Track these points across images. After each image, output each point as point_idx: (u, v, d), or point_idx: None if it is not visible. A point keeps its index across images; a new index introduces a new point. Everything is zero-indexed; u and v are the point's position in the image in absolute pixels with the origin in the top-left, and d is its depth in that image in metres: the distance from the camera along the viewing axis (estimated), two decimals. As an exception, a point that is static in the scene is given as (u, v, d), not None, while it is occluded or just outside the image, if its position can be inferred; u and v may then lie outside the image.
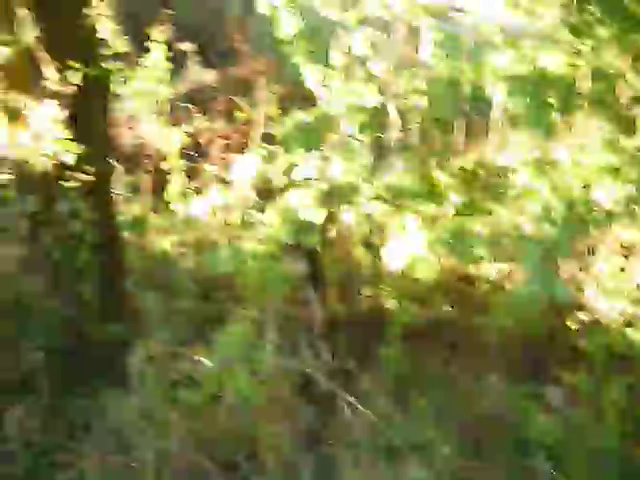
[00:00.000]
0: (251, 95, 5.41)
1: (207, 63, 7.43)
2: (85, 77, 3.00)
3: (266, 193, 4.20)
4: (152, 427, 2.76)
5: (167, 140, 3.95)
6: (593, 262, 3.30)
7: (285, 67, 5.60)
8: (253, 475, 2.81)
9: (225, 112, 6.06)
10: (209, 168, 4.59)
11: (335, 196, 3.28)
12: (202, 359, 2.63)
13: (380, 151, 3.31)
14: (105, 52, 3.38)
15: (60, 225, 3.08)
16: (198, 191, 4.53)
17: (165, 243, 3.87)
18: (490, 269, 4.34)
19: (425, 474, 2.79)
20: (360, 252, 3.74)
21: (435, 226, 2.99)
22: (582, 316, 3.56)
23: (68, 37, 3.02)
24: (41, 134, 2.89)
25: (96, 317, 3.07)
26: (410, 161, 3.25)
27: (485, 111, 4.17)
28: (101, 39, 3.34)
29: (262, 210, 4.54)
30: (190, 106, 6.17)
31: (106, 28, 3.51)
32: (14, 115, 3.04)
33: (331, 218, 3.91)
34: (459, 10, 3.39)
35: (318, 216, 3.04)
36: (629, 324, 3.29)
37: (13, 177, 3.05)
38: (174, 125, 4.46)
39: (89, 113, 3.12)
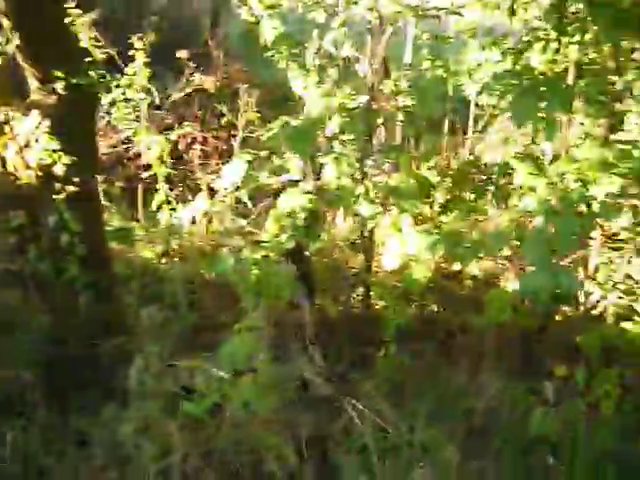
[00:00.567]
0: (230, 101, 5.39)
1: (179, 70, 7.43)
2: (70, 87, 2.94)
3: (254, 198, 4.18)
4: (152, 440, 2.70)
5: (150, 148, 3.89)
6: (587, 254, 3.32)
7: (263, 72, 5.59)
8: (258, 486, 2.78)
9: (204, 118, 6.03)
10: (195, 175, 4.56)
11: (326, 199, 3.26)
12: (203, 370, 2.57)
13: (368, 152, 3.29)
14: (89, 61, 3.33)
15: (47, 238, 3.01)
16: (183, 199, 4.48)
17: (149, 253, 3.81)
18: (475, 267, 4.37)
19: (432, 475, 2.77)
20: (352, 254, 3.73)
21: (429, 226, 2.98)
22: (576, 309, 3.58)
23: (51, 46, 2.95)
24: (27, 146, 2.82)
25: (89, 331, 3.01)
26: (399, 161, 3.24)
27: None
28: (84, 48, 3.28)
29: (247, 216, 4.52)
30: (168, 113, 6.15)
31: (88, 36, 3.43)
32: (-1, 127, 2.97)
33: (322, 220, 3.90)
34: (444, 10, 3.39)
35: (308, 219, 3.00)
36: (623, 316, 3.31)
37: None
38: (157, 132, 4.40)
39: (75, 123, 3.05)
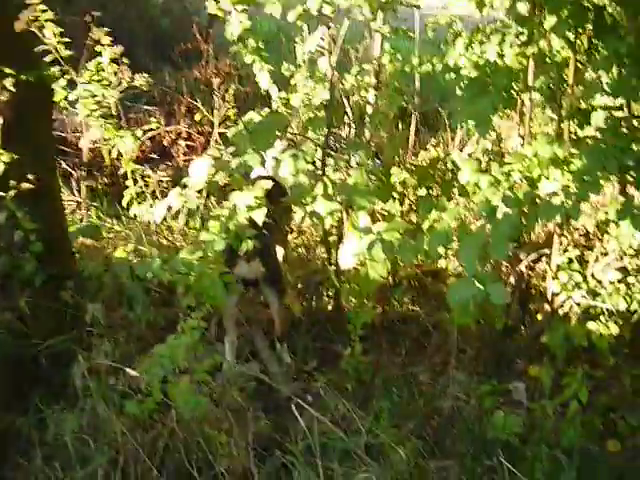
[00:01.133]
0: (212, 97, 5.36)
1: (173, 65, 7.42)
2: (23, 83, 2.92)
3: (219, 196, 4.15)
4: (99, 440, 2.69)
5: (121, 145, 3.86)
6: (552, 253, 3.25)
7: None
8: (207, 485, 2.75)
9: (187, 113, 6.01)
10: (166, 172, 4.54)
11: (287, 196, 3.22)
12: (148, 369, 2.55)
13: (330, 148, 3.25)
14: (48, 57, 3.31)
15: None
16: (155, 195, 4.45)
17: (119, 250, 3.79)
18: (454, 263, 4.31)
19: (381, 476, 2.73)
20: (319, 252, 3.69)
21: (388, 223, 2.92)
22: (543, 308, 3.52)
23: (2, 42, 2.94)
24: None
25: (39, 329, 3.00)
26: (362, 158, 3.19)
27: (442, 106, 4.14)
28: (43, 44, 3.27)
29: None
30: (150, 108, 6.14)
31: (49, 32, 3.41)
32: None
33: (287, 218, 3.85)
34: (409, 4, 3.33)
35: (261, 217, 2.96)
36: (588, 315, 3.25)
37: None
38: (129, 128, 4.37)
39: (28, 120, 3.04)
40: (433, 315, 4.13)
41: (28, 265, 3.02)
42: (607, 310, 3.15)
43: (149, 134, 5.74)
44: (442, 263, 4.36)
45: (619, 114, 2.49)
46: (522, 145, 3.11)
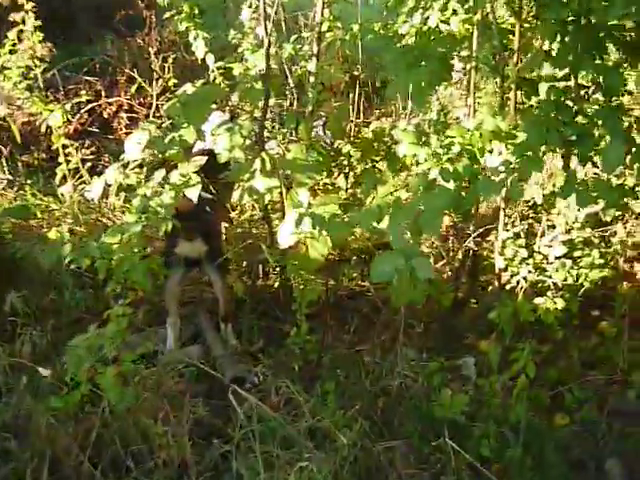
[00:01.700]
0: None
1: (117, 33, 7.10)
2: None
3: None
4: (26, 435, 2.54)
5: (51, 119, 3.64)
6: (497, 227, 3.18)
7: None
8: (143, 477, 2.63)
9: (128, 84, 5.75)
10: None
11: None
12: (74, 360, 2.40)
13: (265, 121, 3.10)
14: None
15: None
16: (93, 172, 4.25)
17: (52, 231, 3.60)
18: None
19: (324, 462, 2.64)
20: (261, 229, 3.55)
21: (322, 198, 2.80)
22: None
23: None
24: None
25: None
26: (302, 131, 3.05)
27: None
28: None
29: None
30: (91, 79, 5.85)
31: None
32: None
33: (228, 195, 3.70)
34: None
35: (195, 194, 2.80)
36: (536, 290, 3.19)
37: None
38: (64, 100, 4.13)
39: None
40: (383, 290, 4.04)
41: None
42: (554, 284, 3.10)
43: (88, 106, 5.50)
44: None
45: (562, 84, 2.39)
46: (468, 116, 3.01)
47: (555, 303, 3.05)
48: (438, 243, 3.83)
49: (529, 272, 3.05)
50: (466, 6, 2.92)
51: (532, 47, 2.84)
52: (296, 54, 3.04)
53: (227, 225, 3.81)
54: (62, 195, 3.87)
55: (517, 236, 3.06)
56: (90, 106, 5.52)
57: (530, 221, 3.46)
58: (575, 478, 2.79)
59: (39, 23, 3.42)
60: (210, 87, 3.01)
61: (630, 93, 3.31)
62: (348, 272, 4.15)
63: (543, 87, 2.71)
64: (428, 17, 2.88)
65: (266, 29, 2.88)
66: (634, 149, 2.35)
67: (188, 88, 3.19)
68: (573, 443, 2.99)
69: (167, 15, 3.29)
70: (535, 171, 2.21)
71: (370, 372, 3.41)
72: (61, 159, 3.78)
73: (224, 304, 3.66)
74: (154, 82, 4.44)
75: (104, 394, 2.48)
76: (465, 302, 3.69)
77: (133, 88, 4.61)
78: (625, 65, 2.55)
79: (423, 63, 2.16)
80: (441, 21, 2.80)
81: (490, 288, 3.60)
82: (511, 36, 2.77)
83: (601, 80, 2.35)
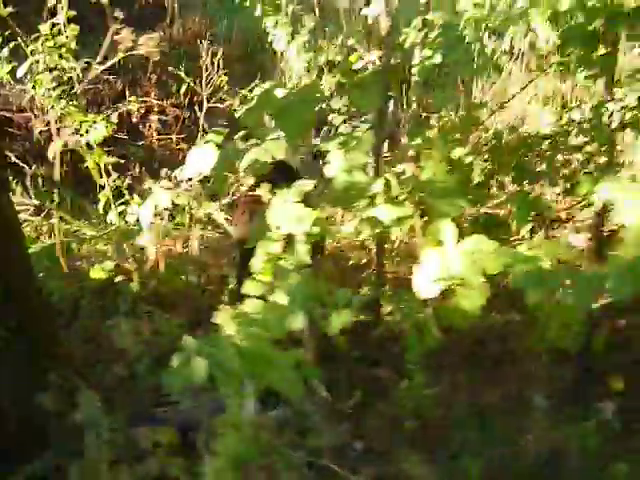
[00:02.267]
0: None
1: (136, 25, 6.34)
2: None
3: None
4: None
5: (91, 133, 2.92)
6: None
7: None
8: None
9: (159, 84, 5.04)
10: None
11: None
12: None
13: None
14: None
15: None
16: (139, 190, 3.52)
17: (96, 269, 2.92)
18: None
19: None
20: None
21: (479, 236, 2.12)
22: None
23: None
24: None
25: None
26: (431, 143, 2.34)
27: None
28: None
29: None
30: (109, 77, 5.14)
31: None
32: None
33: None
34: None
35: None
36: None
37: None
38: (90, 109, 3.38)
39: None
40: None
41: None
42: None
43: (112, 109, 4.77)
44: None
45: None
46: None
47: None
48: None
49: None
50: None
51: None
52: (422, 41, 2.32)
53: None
54: (101, 221, 3.17)
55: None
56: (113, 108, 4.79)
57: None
58: None
59: (74, 12, 2.70)
60: (310, 88, 2.30)
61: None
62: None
63: None
64: None
65: (387, 6, 2.13)
66: None
67: (272, 89, 2.48)
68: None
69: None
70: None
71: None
72: (103, 180, 3.06)
73: (311, 349, 2.98)
74: (202, 81, 3.67)
75: None
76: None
77: (183, 88, 3.86)
78: None
79: None
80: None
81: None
82: None
83: None
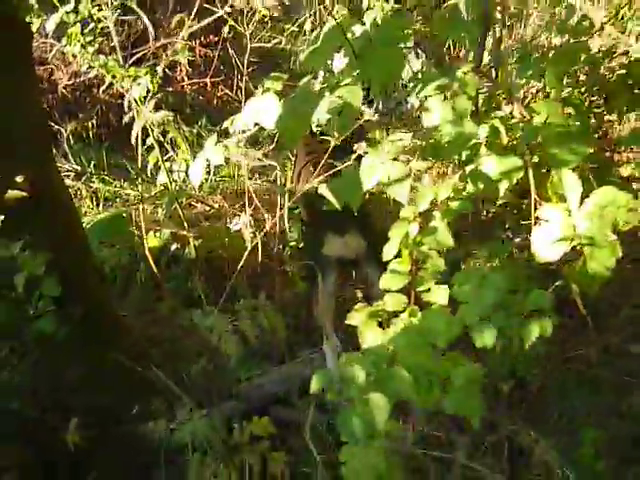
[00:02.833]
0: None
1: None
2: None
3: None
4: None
5: (135, 89, 2.61)
6: None
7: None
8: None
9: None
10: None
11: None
12: None
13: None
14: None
15: None
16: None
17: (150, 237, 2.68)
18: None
19: None
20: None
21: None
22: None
23: None
24: None
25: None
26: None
27: None
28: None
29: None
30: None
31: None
32: None
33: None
34: None
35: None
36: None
37: None
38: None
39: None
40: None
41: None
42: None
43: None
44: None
45: None
46: None
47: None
48: None
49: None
50: None
51: None
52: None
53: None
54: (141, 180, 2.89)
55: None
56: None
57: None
58: None
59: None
60: (399, 16, 1.94)
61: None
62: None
63: None
64: None
65: None
66: None
67: (339, 22, 2.13)
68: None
69: None
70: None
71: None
72: (151, 140, 2.77)
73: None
74: (244, 16, 3.25)
75: None
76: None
77: (225, 29, 3.45)
78: None
79: None
80: None
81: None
82: None
83: None
